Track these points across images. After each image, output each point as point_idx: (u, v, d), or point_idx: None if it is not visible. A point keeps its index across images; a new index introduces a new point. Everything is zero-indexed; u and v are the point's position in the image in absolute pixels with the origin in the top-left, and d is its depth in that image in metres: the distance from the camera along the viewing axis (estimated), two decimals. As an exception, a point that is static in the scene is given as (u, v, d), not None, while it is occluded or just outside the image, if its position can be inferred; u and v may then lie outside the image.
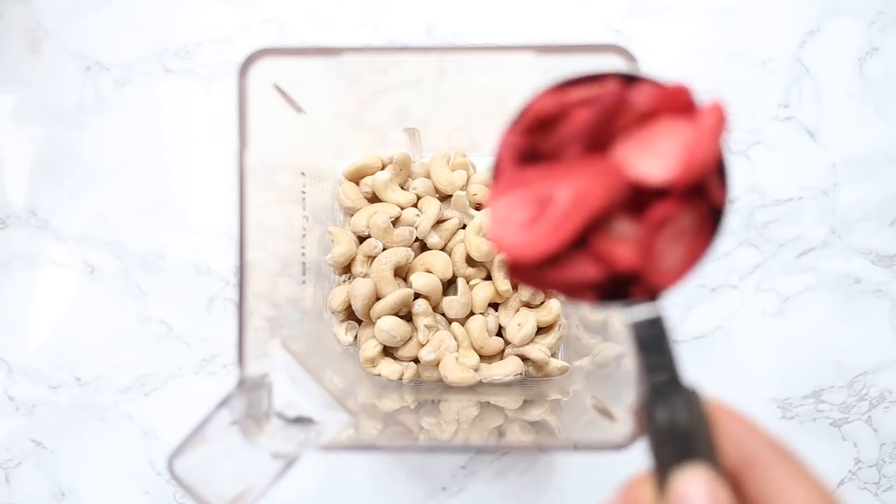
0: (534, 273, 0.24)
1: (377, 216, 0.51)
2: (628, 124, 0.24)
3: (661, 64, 0.59)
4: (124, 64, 0.60)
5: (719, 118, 0.23)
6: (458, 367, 0.50)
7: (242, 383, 0.36)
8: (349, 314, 0.52)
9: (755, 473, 0.24)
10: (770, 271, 0.58)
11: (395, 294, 0.50)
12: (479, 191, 0.53)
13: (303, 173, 0.49)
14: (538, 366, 0.52)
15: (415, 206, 0.53)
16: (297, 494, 0.57)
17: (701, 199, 0.23)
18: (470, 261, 0.52)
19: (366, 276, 0.51)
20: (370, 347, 0.51)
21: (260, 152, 0.39)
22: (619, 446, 0.37)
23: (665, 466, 0.24)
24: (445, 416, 0.48)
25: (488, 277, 0.53)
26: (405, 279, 0.52)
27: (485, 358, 0.52)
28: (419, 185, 0.53)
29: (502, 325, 0.52)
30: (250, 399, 0.36)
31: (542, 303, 0.52)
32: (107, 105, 0.60)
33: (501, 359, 0.52)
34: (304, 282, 0.49)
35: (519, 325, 0.51)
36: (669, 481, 0.23)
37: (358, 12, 0.60)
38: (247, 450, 0.35)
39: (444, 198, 0.54)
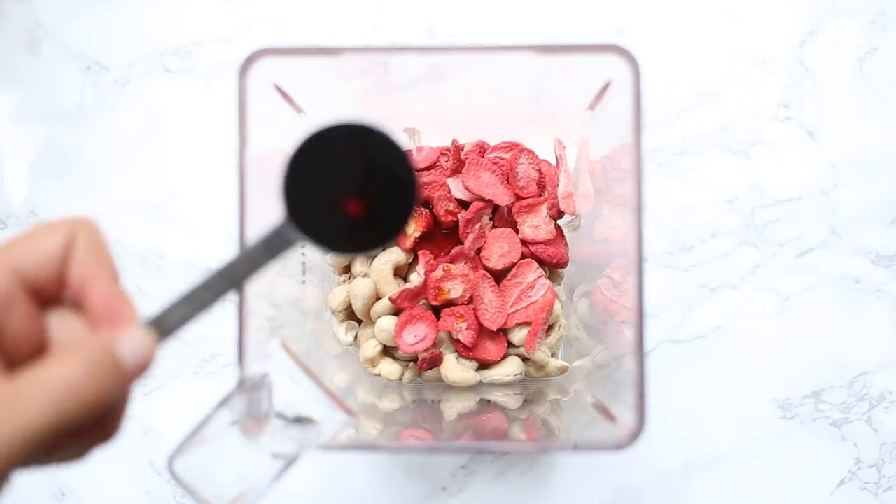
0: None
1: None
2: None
3: (661, 64, 0.59)
4: (124, 64, 0.60)
5: None
6: (458, 366, 0.50)
7: (242, 383, 0.36)
8: (349, 314, 0.52)
9: None
10: (770, 271, 0.58)
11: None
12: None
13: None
14: (538, 366, 0.52)
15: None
16: (297, 494, 0.57)
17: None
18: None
19: (366, 275, 0.51)
20: (370, 347, 0.51)
21: (260, 152, 0.39)
22: (619, 446, 0.37)
23: None
24: (446, 416, 0.48)
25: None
26: (405, 279, 0.52)
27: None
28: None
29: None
30: (250, 399, 0.36)
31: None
32: (107, 105, 0.60)
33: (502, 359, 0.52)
34: (304, 282, 0.49)
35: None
36: None
37: (357, 12, 0.60)
38: (247, 450, 0.35)
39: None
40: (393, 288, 0.50)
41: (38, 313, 0.28)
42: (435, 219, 0.51)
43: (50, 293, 0.28)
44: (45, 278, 0.28)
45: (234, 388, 0.36)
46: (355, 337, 0.52)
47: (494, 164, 0.51)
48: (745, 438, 0.57)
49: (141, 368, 0.28)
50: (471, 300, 0.50)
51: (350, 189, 0.30)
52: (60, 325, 0.28)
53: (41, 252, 0.28)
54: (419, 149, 0.52)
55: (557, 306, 0.52)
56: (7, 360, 0.27)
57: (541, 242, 0.51)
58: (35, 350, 0.28)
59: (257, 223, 0.39)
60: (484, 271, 0.50)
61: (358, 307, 0.50)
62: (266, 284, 0.41)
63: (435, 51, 0.44)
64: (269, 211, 0.41)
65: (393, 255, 0.50)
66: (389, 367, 0.51)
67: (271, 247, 0.30)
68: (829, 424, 0.57)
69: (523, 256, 0.51)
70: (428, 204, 0.51)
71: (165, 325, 0.29)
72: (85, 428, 0.28)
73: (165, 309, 0.29)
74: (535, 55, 0.39)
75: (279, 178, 0.30)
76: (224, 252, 0.59)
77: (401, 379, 0.52)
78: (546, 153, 0.52)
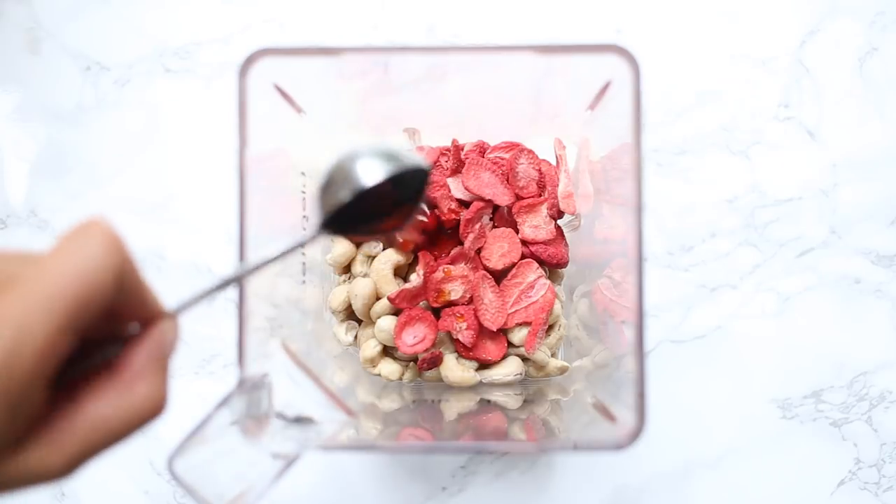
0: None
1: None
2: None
3: (661, 64, 0.59)
4: (124, 64, 0.60)
5: None
6: (458, 366, 0.50)
7: (242, 383, 0.36)
8: (349, 314, 0.52)
9: None
10: (770, 271, 0.58)
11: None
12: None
13: (303, 173, 0.49)
14: (538, 366, 0.52)
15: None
16: (297, 494, 0.57)
17: None
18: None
19: (366, 276, 0.51)
20: (370, 347, 0.51)
21: (260, 152, 0.39)
22: (619, 446, 0.37)
23: None
24: (446, 416, 0.48)
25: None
26: (405, 279, 0.52)
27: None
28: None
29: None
30: (250, 399, 0.36)
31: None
32: (107, 105, 0.60)
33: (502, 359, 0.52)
34: (304, 282, 0.49)
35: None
36: None
37: (357, 12, 0.60)
38: (247, 450, 0.35)
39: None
40: (393, 288, 0.50)
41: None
42: (437, 219, 0.51)
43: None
44: (98, 313, 0.27)
45: (234, 388, 0.36)
46: (355, 337, 0.52)
47: (494, 164, 0.51)
48: (745, 438, 0.57)
49: (174, 349, 0.30)
50: (471, 300, 0.50)
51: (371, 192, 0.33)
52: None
53: (95, 304, 0.26)
54: (419, 149, 0.52)
55: (557, 306, 0.52)
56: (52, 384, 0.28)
57: (541, 242, 0.51)
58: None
59: (257, 223, 0.39)
60: (484, 271, 0.50)
61: (358, 307, 0.50)
62: (266, 284, 0.41)
63: (435, 51, 0.44)
64: (269, 211, 0.41)
65: (393, 255, 0.50)
66: (389, 367, 0.51)
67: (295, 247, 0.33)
68: (829, 424, 0.57)
69: (523, 256, 0.51)
70: (432, 205, 0.51)
71: (182, 309, 0.31)
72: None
73: (188, 301, 0.31)
74: (535, 55, 0.39)
75: (317, 196, 0.33)
76: (224, 252, 0.59)
77: (401, 379, 0.52)
78: (546, 153, 0.52)
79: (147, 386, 0.28)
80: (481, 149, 0.52)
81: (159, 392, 0.29)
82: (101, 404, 0.28)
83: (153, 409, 0.28)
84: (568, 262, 0.52)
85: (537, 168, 0.51)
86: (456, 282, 0.50)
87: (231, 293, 0.58)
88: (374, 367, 0.51)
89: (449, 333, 0.50)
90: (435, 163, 0.52)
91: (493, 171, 0.51)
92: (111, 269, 0.27)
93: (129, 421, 0.28)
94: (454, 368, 0.50)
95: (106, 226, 0.28)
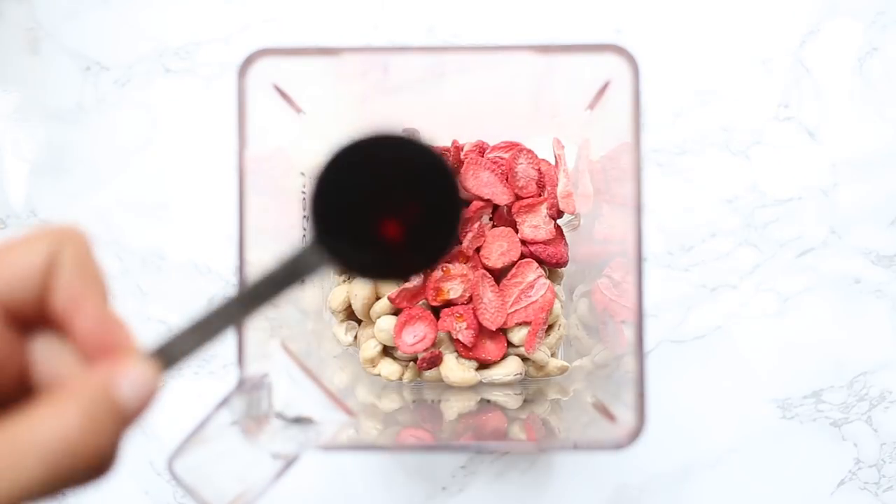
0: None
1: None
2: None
3: (661, 64, 0.59)
4: (124, 64, 0.60)
5: None
6: (458, 367, 0.50)
7: (242, 383, 0.36)
8: (349, 314, 0.52)
9: None
10: (770, 271, 0.58)
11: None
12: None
13: (303, 173, 0.49)
14: (538, 366, 0.52)
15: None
16: (297, 494, 0.57)
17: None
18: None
19: (366, 276, 0.51)
20: (370, 347, 0.51)
21: (259, 152, 0.39)
22: (619, 446, 0.37)
23: None
24: (446, 416, 0.49)
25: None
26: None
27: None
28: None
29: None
30: (250, 399, 0.36)
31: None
32: (107, 105, 0.60)
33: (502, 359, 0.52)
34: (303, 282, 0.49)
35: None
36: None
37: (357, 12, 0.60)
38: (247, 450, 0.35)
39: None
40: (392, 287, 0.50)
41: (19, 340, 0.24)
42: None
43: (32, 317, 0.24)
44: (25, 302, 0.23)
45: (234, 388, 0.36)
46: (355, 337, 0.53)
47: (494, 163, 0.51)
48: (745, 438, 0.57)
49: (143, 408, 0.24)
50: (470, 300, 0.50)
51: (385, 208, 0.26)
52: (45, 353, 0.24)
53: (17, 272, 0.23)
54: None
55: (557, 306, 0.52)
56: None
57: (540, 242, 0.51)
58: (17, 384, 0.24)
59: (257, 223, 0.39)
60: (483, 271, 0.50)
61: (358, 307, 0.50)
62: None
63: (435, 51, 0.45)
64: (269, 211, 0.41)
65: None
66: (389, 367, 0.51)
67: (294, 271, 0.26)
68: (829, 424, 0.57)
69: (523, 256, 0.51)
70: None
71: (170, 355, 0.25)
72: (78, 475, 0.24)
73: (172, 338, 0.25)
74: (535, 55, 0.39)
75: (309, 196, 0.26)
76: (224, 252, 0.59)
77: (401, 379, 0.52)
78: (545, 153, 0.52)
79: (68, 418, 0.22)
80: (480, 149, 0.52)
81: (83, 433, 0.23)
82: (20, 423, 0.22)
83: (70, 449, 0.23)
84: (568, 261, 0.52)
85: (537, 168, 0.51)
86: (455, 280, 0.50)
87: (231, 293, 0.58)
88: (374, 367, 0.51)
89: (449, 333, 0.51)
90: None
91: (493, 171, 0.51)
92: (46, 241, 0.23)
93: (41, 453, 0.22)
94: (454, 368, 0.50)
95: (64, 224, 0.24)
